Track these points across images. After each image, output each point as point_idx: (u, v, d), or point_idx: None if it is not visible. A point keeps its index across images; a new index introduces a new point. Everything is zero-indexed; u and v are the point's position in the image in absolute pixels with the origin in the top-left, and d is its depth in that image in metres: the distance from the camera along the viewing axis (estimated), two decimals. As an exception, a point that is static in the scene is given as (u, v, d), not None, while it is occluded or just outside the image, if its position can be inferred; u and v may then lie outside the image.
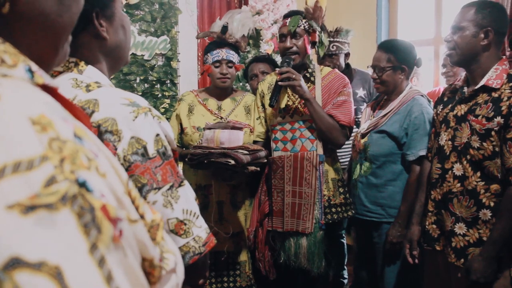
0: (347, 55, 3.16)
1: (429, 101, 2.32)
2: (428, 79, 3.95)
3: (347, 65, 3.20)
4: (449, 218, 1.93)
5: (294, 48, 2.29)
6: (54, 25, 0.56)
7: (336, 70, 2.50)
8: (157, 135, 0.98)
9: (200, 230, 1.03)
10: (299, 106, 2.37)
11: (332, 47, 3.02)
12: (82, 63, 1.02)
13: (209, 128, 2.24)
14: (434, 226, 2.03)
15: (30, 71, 0.48)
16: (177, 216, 0.97)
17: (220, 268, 2.51)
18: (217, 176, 2.24)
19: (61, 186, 0.40)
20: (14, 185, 0.38)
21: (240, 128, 2.21)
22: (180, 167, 3.26)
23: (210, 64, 2.45)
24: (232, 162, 2.02)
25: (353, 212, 2.43)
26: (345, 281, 3.30)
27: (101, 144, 0.52)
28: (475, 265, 1.80)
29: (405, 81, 2.34)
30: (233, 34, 2.48)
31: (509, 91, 1.76)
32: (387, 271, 2.37)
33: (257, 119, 2.51)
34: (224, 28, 2.45)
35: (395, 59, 2.27)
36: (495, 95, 1.80)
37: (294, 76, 2.20)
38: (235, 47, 2.51)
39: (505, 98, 1.76)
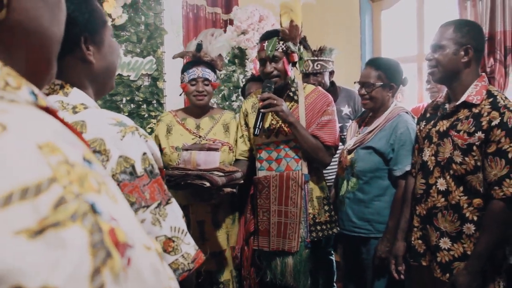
0: (331, 73, 3.19)
1: (413, 117, 2.37)
2: (412, 96, 4.01)
3: (332, 83, 3.23)
4: (434, 233, 1.95)
5: (275, 72, 2.31)
6: (47, 36, 0.55)
7: (319, 88, 2.51)
8: (144, 153, 0.99)
9: (189, 247, 1.03)
10: (283, 125, 2.37)
11: (317, 66, 3.04)
12: (68, 86, 1.02)
13: (186, 149, 2.24)
14: (420, 241, 2.05)
15: (33, 93, 0.47)
16: (166, 233, 0.98)
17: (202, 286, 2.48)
18: (195, 197, 2.23)
19: (71, 205, 0.38)
20: (22, 212, 0.36)
21: (216, 149, 2.21)
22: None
23: (186, 82, 2.46)
24: (207, 184, 2.02)
25: (338, 229, 2.43)
26: (335, 298, 3.29)
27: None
28: (460, 279, 1.82)
29: (391, 99, 2.39)
30: (208, 53, 2.50)
31: (489, 106, 1.81)
32: (376, 286, 2.37)
33: (240, 138, 2.51)
34: (199, 46, 2.47)
35: (385, 76, 2.32)
36: (475, 110, 1.84)
37: (275, 101, 2.20)
38: (211, 65, 2.52)
39: (485, 114, 1.80)
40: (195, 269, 1.06)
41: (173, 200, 1.04)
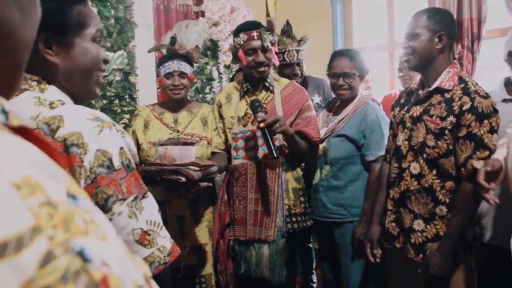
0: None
1: (379, 104, 2.49)
2: (384, 83, 4.05)
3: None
4: (407, 215, 2.01)
5: (266, 62, 2.34)
6: (18, 38, 0.47)
7: (294, 82, 2.55)
8: (121, 148, 1.00)
9: (165, 240, 1.04)
10: None
11: (300, 56, 3.06)
12: (45, 82, 1.03)
13: (162, 144, 2.22)
14: (394, 224, 2.10)
15: (4, 111, 0.41)
16: (142, 226, 0.99)
17: (185, 282, 2.48)
18: (172, 192, 2.22)
19: (60, 262, 0.33)
20: (2, 274, 0.30)
21: (192, 144, 2.19)
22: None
23: (162, 76, 2.44)
24: (183, 179, 2.02)
25: (311, 222, 2.47)
26: (314, 285, 3.33)
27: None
28: (433, 260, 1.88)
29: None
30: (183, 45, 2.48)
31: (460, 92, 1.87)
32: (353, 269, 2.43)
33: (214, 130, 2.50)
34: (173, 40, 2.45)
35: (359, 67, 2.43)
36: (447, 96, 1.90)
37: (277, 118, 2.16)
38: (187, 58, 2.50)
39: (457, 99, 1.86)
40: (171, 262, 1.07)
41: (149, 194, 1.05)
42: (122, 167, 0.98)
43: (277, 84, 2.44)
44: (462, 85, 1.88)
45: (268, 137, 2.10)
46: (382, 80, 4.05)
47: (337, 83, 2.43)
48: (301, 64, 3.07)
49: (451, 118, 1.85)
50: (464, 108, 1.82)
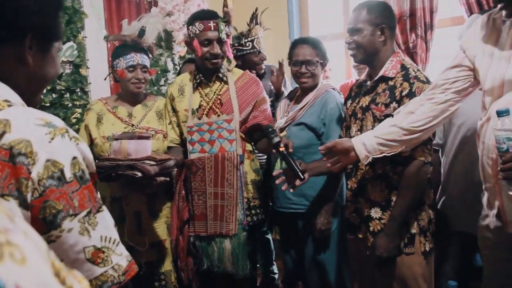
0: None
1: (339, 93, 2.48)
2: (341, 72, 4.08)
3: None
4: (365, 204, 2.04)
5: (221, 54, 2.30)
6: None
7: (248, 72, 2.52)
8: (74, 158, 0.91)
9: (120, 258, 0.96)
10: (214, 106, 2.35)
11: (263, 43, 3.05)
12: None
13: (116, 139, 2.15)
14: (354, 214, 2.12)
15: None
16: (95, 243, 0.91)
17: (146, 280, 2.43)
18: (129, 188, 2.16)
19: None
20: None
21: (147, 137, 2.13)
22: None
23: (124, 68, 2.36)
24: (139, 174, 1.96)
25: (265, 215, 2.47)
26: (276, 276, 3.34)
27: (14, 211, 0.43)
28: (379, 241, 1.94)
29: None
30: (146, 39, 2.42)
31: (401, 78, 1.94)
32: (318, 259, 2.43)
33: (169, 124, 2.45)
34: (141, 32, 2.38)
35: (322, 55, 2.42)
36: (391, 83, 1.96)
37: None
38: (147, 51, 2.44)
39: (398, 85, 1.93)
40: (126, 282, 0.99)
41: (104, 208, 0.96)
42: (75, 179, 0.90)
43: (231, 75, 2.41)
44: (403, 72, 1.95)
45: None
46: (339, 69, 4.07)
47: (299, 71, 2.40)
48: (262, 51, 3.06)
49: (394, 104, 1.91)
50: (404, 93, 1.89)
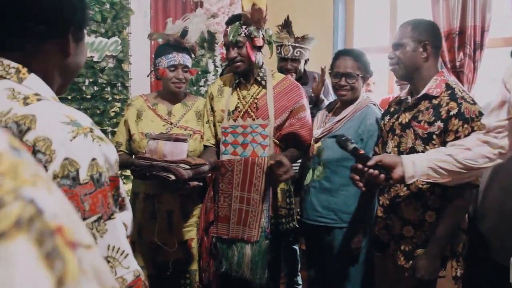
0: (306, 60, 3.17)
1: (379, 109, 2.42)
2: (383, 86, 4.00)
3: (304, 70, 3.21)
4: (397, 222, 2.00)
5: (238, 58, 2.28)
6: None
7: (290, 77, 2.49)
8: (93, 159, 0.88)
9: (127, 271, 0.91)
10: (250, 109, 2.33)
11: (296, 52, 3.03)
12: (24, 71, 0.93)
13: (153, 139, 2.16)
14: (384, 231, 2.08)
15: None
16: (101, 252, 0.87)
17: (173, 278, 2.44)
18: (162, 187, 2.17)
19: (12, 209, 0.32)
20: None
21: (183, 140, 2.14)
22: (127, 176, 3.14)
23: (165, 67, 2.38)
24: (173, 177, 1.96)
25: (294, 224, 2.41)
26: (300, 287, 3.30)
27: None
28: (420, 263, 1.89)
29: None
30: (189, 38, 2.43)
31: (448, 98, 1.91)
32: (342, 276, 2.37)
33: (206, 123, 2.44)
34: (184, 32, 2.39)
35: (363, 68, 2.38)
36: (435, 102, 1.93)
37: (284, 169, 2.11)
38: (189, 51, 2.45)
39: (444, 104, 1.90)
40: None
41: (117, 216, 0.92)
42: (90, 181, 0.86)
43: (270, 79, 2.37)
44: (449, 91, 1.92)
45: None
46: (381, 83, 3.99)
47: (339, 83, 2.37)
48: (298, 60, 3.02)
49: (439, 123, 1.88)
50: (451, 113, 1.86)
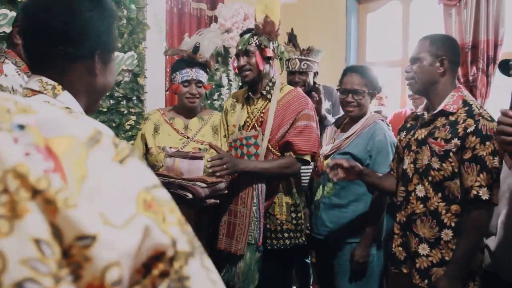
0: (315, 73, 3.18)
1: (388, 125, 2.45)
2: (395, 100, 4.01)
3: (314, 83, 3.22)
4: (413, 239, 1.98)
5: (247, 66, 2.30)
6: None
7: (299, 89, 2.48)
8: None
9: None
10: (255, 124, 2.33)
11: (303, 65, 3.04)
12: (59, 88, 1.06)
13: (170, 156, 2.19)
14: (400, 248, 2.06)
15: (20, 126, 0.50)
16: None
17: None
18: (180, 204, 2.19)
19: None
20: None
21: (200, 158, 2.16)
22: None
23: (179, 83, 2.41)
24: (190, 195, 1.99)
25: (303, 240, 2.37)
26: (312, 301, 3.29)
27: None
28: (440, 284, 1.85)
29: (369, 106, 2.47)
30: (203, 54, 2.46)
31: (465, 114, 1.89)
32: None
33: (223, 137, 2.47)
34: (196, 49, 2.43)
35: (370, 84, 2.40)
36: (452, 118, 1.92)
37: (224, 164, 2.10)
38: (204, 66, 2.48)
39: (461, 121, 1.88)
40: None
41: None
42: None
43: (277, 92, 2.36)
44: (467, 108, 1.91)
45: None
46: (394, 97, 4.00)
47: (345, 100, 2.39)
48: (305, 73, 3.02)
49: (456, 141, 1.86)
50: (469, 130, 1.84)
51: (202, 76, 2.44)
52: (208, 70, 2.53)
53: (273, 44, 2.34)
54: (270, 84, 2.37)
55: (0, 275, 0.36)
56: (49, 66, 1.05)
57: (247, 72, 2.31)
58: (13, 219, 0.38)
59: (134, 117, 3.32)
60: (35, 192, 0.39)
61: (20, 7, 1.07)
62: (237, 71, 2.39)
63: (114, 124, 3.25)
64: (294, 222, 2.34)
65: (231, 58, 3.57)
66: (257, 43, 2.30)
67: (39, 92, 1.05)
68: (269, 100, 2.35)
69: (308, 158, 2.32)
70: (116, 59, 3.22)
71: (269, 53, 2.32)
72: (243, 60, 2.30)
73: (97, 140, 0.45)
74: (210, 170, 2.09)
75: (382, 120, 2.44)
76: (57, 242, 0.39)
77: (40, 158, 0.40)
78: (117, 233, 0.41)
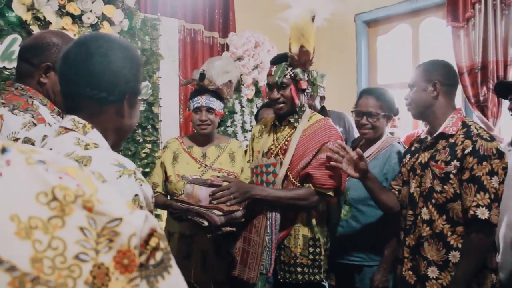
0: (322, 98, 3.22)
1: (404, 147, 2.41)
2: (407, 122, 4.01)
3: (322, 107, 3.25)
4: (422, 262, 1.98)
5: (281, 99, 2.23)
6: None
7: (328, 119, 2.36)
8: (136, 195, 1.09)
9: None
10: (279, 152, 2.29)
11: (309, 89, 3.06)
12: (89, 126, 1.18)
13: (190, 183, 2.24)
14: (410, 272, 2.05)
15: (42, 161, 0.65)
16: None
17: None
18: (199, 229, 2.22)
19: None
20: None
21: (218, 185, 2.18)
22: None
23: (191, 111, 2.47)
24: (205, 223, 2.02)
25: (321, 277, 2.25)
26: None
27: None
28: None
29: (386, 128, 2.45)
30: (213, 81, 2.49)
31: (463, 136, 1.92)
32: None
33: (248, 162, 2.47)
34: (202, 76, 2.46)
35: (386, 106, 2.39)
36: (451, 140, 1.95)
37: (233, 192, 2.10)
38: (216, 93, 2.51)
39: (459, 143, 1.91)
40: None
41: None
42: None
43: (305, 120, 2.30)
44: (465, 129, 1.94)
45: None
46: (406, 119, 4.01)
47: (360, 122, 2.40)
48: (311, 97, 2.99)
49: (455, 162, 1.89)
50: (466, 151, 1.87)
51: (213, 103, 2.44)
52: (222, 97, 2.54)
53: (306, 74, 2.26)
54: (301, 113, 2.30)
55: (63, 252, 0.58)
56: (82, 108, 1.18)
57: (282, 105, 2.25)
58: (64, 216, 0.59)
59: (149, 145, 3.39)
60: (76, 197, 0.60)
61: (62, 55, 1.19)
62: (267, 99, 2.34)
63: (130, 153, 3.33)
64: (311, 257, 2.23)
65: (243, 85, 3.64)
66: (292, 75, 2.22)
67: (71, 130, 1.17)
68: (295, 128, 2.29)
69: (330, 193, 2.20)
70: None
71: (304, 85, 2.24)
72: (276, 93, 2.23)
73: (84, 164, 0.87)
74: (215, 202, 2.10)
75: (399, 142, 2.43)
76: (93, 227, 0.60)
77: (69, 179, 0.62)
78: (131, 216, 0.62)
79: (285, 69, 2.21)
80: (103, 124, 1.20)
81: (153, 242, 0.64)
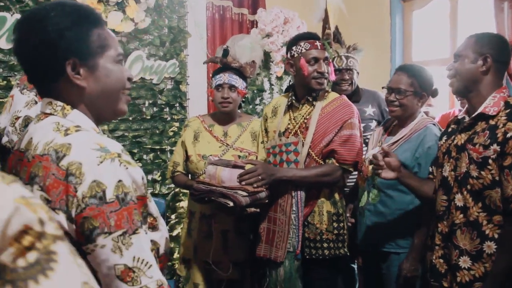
0: (357, 73, 3.12)
1: (440, 130, 2.27)
2: (444, 101, 3.86)
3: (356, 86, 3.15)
4: (453, 251, 1.87)
5: (326, 74, 2.28)
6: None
7: (344, 97, 2.42)
8: (119, 180, 1.00)
9: (151, 281, 1.00)
10: (298, 130, 2.30)
11: (350, 62, 2.99)
12: (68, 107, 1.10)
13: (212, 164, 2.21)
14: (441, 260, 1.94)
15: None
16: (126, 262, 0.97)
17: None
18: (220, 210, 2.21)
19: None
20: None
21: (242, 167, 2.16)
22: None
23: (213, 88, 2.43)
24: (231, 204, 2.00)
25: (345, 250, 2.31)
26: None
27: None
28: None
29: (419, 108, 2.32)
30: (236, 59, 2.46)
31: (505, 117, 1.76)
32: None
33: (261, 143, 2.46)
34: (225, 52, 2.44)
35: (418, 84, 2.26)
36: (492, 122, 1.79)
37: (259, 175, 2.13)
38: (239, 72, 2.47)
39: (501, 125, 1.75)
40: None
41: (141, 231, 1.01)
42: (116, 200, 0.98)
43: (321, 98, 2.34)
44: (508, 110, 1.77)
45: None
46: (442, 98, 3.85)
47: (388, 98, 2.30)
48: (351, 70, 2.99)
49: (495, 147, 1.73)
50: (509, 135, 1.70)
51: (236, 80, 2.43)
52: (245, 76, 2.51)
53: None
54: (321, 91, 2.35)
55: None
56: (49, 89, 1.11)
57: (326, 80, 2.30)
58: None
59: (177, 124, 3.38)
60: None
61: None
62: (306, 74, 2.27)
63: (157, 131, 3.32)
64: (336, 232, 2.29)
65: (272, 62, 3.55)
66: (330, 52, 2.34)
67: (50, 114, 1.10)
68: (314, 106, 2.31)
69: (350, 168, 2.30)
70: (159, 68, 3.28)
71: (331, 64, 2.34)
72: (324, 67, 2.28)
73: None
74: (243, 183, 2.09)
75: (434, 124, 2.29)
76: None
77: None
78: None
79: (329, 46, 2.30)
80: (71, 100, 1.11)
81: (26, 241, 0.59)
